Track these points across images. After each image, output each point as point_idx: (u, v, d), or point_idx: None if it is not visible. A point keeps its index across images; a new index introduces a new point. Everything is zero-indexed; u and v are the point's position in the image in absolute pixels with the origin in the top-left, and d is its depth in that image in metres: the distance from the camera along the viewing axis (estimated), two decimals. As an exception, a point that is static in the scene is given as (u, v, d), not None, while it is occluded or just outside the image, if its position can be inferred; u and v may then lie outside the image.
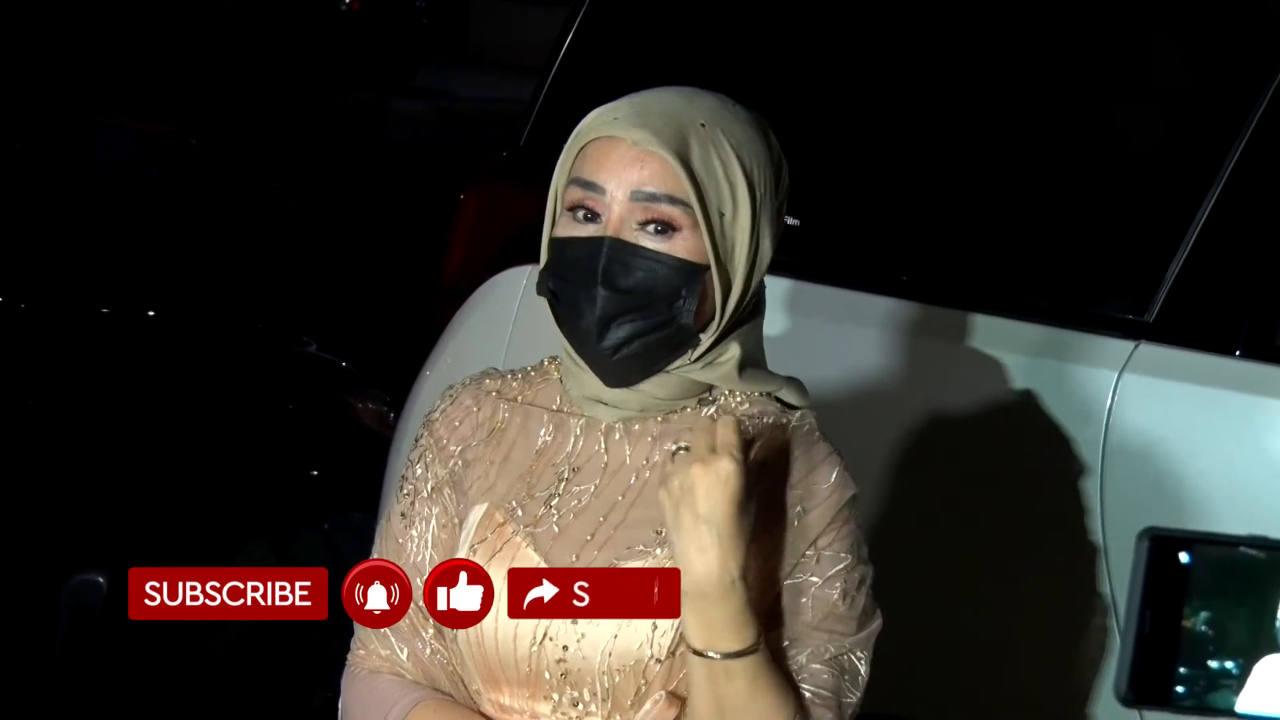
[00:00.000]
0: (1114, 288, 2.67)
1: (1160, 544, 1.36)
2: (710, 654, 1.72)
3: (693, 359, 1.84)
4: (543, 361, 1.96)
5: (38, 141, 5.11)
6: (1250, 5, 2.69)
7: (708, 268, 1.80)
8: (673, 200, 1.79)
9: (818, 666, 1.79)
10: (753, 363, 1.88)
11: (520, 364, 1.98)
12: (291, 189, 7.50)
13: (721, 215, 1.80)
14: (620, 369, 1.83)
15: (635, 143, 1.79)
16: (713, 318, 1.83)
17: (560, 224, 1.84)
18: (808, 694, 1.77)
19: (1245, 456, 2.47)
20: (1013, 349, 2.66)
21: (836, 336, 2.76)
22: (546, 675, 1.81)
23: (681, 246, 1.80)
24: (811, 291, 2.81)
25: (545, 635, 1.81)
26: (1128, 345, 2.58)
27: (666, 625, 1.78)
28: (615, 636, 1.79)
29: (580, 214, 1.82)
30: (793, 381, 1.90)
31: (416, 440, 1.96)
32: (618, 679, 1.79)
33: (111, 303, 4.14)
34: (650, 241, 1.80)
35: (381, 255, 6.61)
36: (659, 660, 1.79)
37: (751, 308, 1.87)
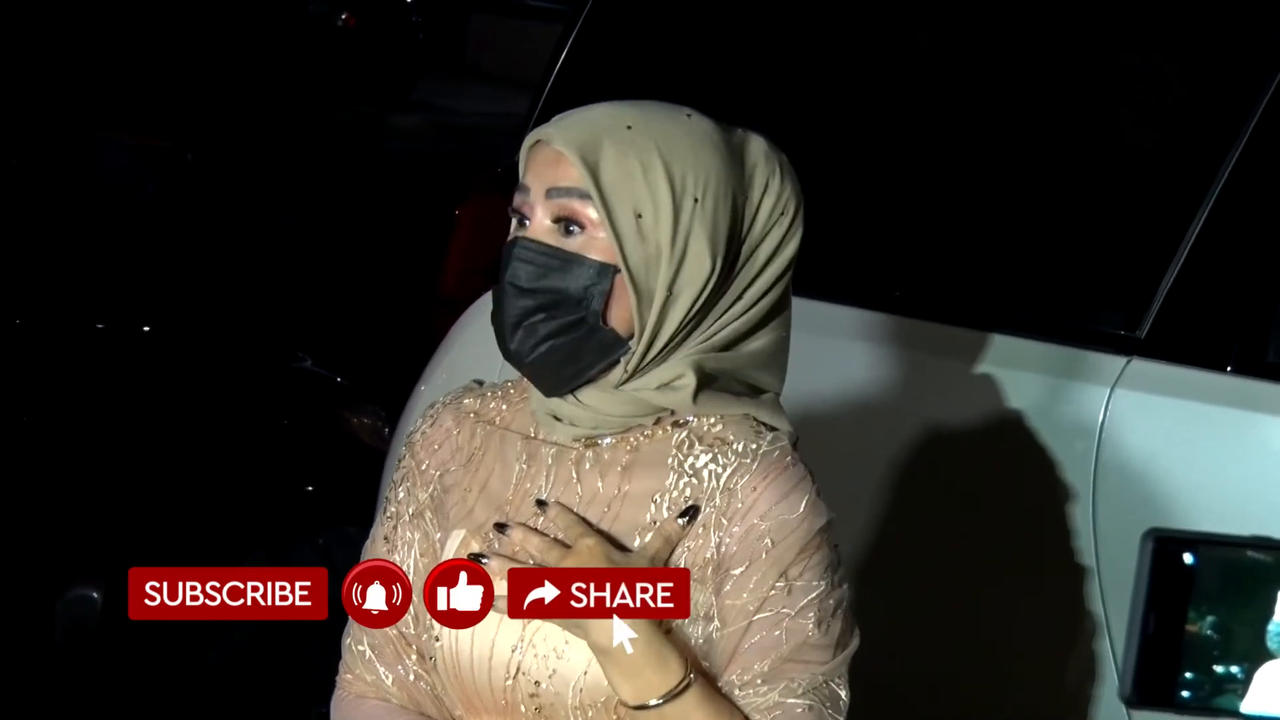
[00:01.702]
0: (1106, 303, 2.67)
1: (1165, 545, 1.36)
2: (650, 703, 1.72)
3: (629, 371, 1.80)
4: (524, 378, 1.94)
5: (34, 156, 5.11)
6: (1243, 20, 2.70)
7: (618, 269, 1.77)
8: (581, 195, 1.77)
9: (794, 701, 1.75)
10: (719, 386, 1.83)
11: (514, 379, 1.97)
12: (288, 203, 7.49)
13: (639, 216, 1.76)
14: (539, 372, 1.81)
15: (547, 140, 1.79)
16: (644, 325, 1.79)
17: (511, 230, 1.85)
18: None
19: (1237, 472, 2.48)
20: (1004, 364, 2.66)
21: (828, 352, 2.76)
22: (522, 709, 1.80)
23: (591, 245, 1.77)
24: (801, 306, 2.81)
25: (519, 670, 1.80)
26: (1120, 361, 2.59)
27: None
28: (585, 673, 1.77)
29: (515, 219, 1.82)
30: (766, 401, 1.86)
31: (399, 462, 1.94)
32: (590, 714, 1.78)
33: (107, 318, 4.14)
34: (559, 240, 1.78)
35: (377, 269, 6.61)
36: None
37: (734, 332, 1.83)
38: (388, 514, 1.92)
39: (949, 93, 2.92)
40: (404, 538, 1.90)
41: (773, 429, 1.84)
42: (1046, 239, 2.77)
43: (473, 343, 3.13)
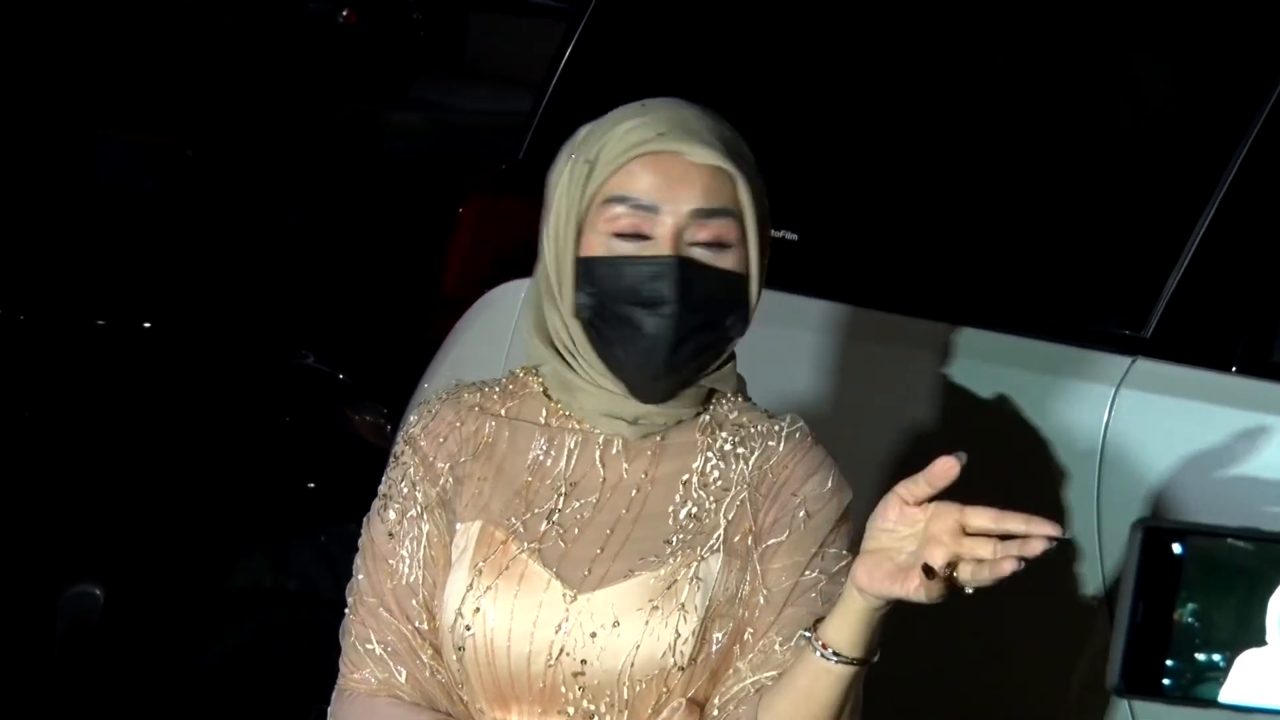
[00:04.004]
0: (1111, 303, 2.67)
1: (1153, 535, 1.37)
2: (861, 659, 1.74)
3: (711, 368, 1.88)
4: (514, 373, 1.93)
5: (34, 152, 5.11)
6: (1249, 18, 2.70)
7: (748, 278, 1.84)
8: (729, 214, 1.82)
9: None
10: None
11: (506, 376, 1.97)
12: (289, 201, 7.50)
13: (758, 225, 1.85)
14: (669, 384, 1.85)
15: (694, 158, 1.80)
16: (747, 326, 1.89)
17: (595, 243, 1.82)
18: None
19: (1242, 472, 2.47)
20: (1009, 364, 2.66)
21: (832, 351, 2.76)
22: (563, 690, 1.81)
23: (730, 259, 1.83)
24: (806, 305, 2.81)
25: (562, 651, 1.80)
26: (1124, 361, 2.59)
27: (688, 633, 1.80)
28: (638, 647, 1.79)
29: (627, 233, 1.81)
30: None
31: (397, 456, 1.91)
32: (639, 689, 1.79)
33: (108, 314, 4.14)
34: (707, 257, 1.82)
35: (379, 267, 6.62)
36: (681, 668, 1.80)
37: None
38: (390, 510, 1.89)
39: (954, 91, 2.92)
40: (411, 532, 1.88)
41: (783, 415, 1.92)
42: (1051, 238, 2.77)
43: (476, 340, 3.13)
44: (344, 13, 12.68)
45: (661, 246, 1.80)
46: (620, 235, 1.82)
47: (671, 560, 1.82)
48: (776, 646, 1.82)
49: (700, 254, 1.81)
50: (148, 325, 4.15)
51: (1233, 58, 2.70)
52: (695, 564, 1.82)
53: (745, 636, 1.83)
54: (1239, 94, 2.62)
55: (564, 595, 1.81)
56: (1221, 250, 2.57)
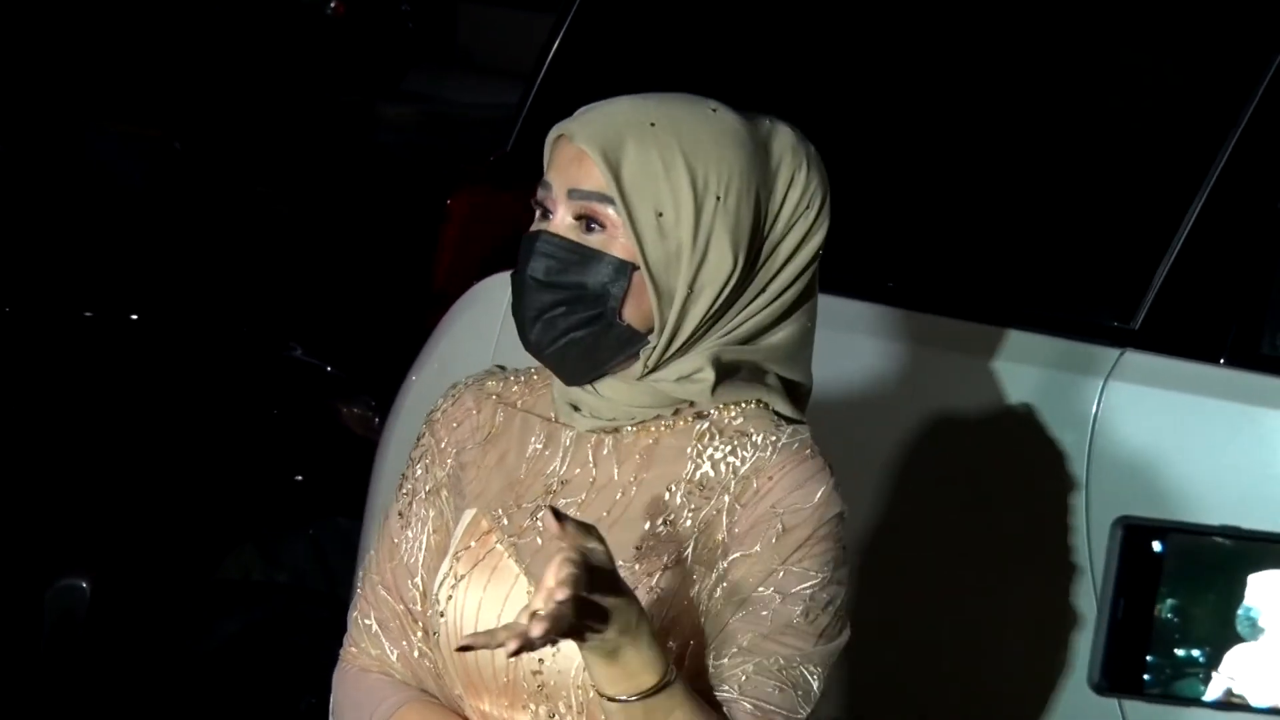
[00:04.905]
0: (1099, 295, 2.67)
1: (1134, 533, 1.37)
2: (628, 698, 1.69)
3: (650, 366, 1.83)
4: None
5: (22, 144, 5.09)
6: (1237, 11, 2.70)
7: (638, 267, 1.80)
8: (602, 198, 1.80)
9: (762, 679, 1.76)
10: (737, 376, 1.85)
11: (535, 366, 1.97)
12: (279, 193, 7.48)
13: (660, 215, 1.79)
14: (558, 364, 1.84)
15: (571, 139, 1.82)
16: (664, 322, 1.81)
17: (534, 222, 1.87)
18: (748, 706, 1.76)
19: (1231, 464, 2.47)
20: (997, 356, 2.66)
21: (822, 342, 2.76)
22: (524, 686, 1.81)
23: (615, 244, 1.80)
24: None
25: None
26: (1113, 353, 2.59)
27: None
28: None
29: (539, 211, 1.85)
30: (776, 386, 1.88)
31: (419, 439, 1.96)
32: (592, 692, 1.77)
33: (95, 306, 4.13)
34: (580, 236, 1.81)
35: (369, 260, 6.60)
36: None
37: (756, 326, 1.85)
38: (404, 490, 1.94)
39: (941, 85, 2.92)
40: (418, 514, 1.91)
41: (792, 421, 1.86)
42: (1039, 231, 2.77)
43: (464, 333, 3.13)
44: (332, 4, 12.65)
45: (551, 224, 1.83)
46: (538, 212, 1.85)
47: (634, 567, 1.79)
48: (710, 660, 1.78)
49: (577, 233, 1.81)
50: (135, 317, 4.15)
51: (1220, 51, 2.70)
52: (657, 574, 1.79)
53: (694, 646, 1.79)
54: (1227, 87, 2.63)
55: (528, 592, 1.81)
56: (1210, 242, 2.57)
